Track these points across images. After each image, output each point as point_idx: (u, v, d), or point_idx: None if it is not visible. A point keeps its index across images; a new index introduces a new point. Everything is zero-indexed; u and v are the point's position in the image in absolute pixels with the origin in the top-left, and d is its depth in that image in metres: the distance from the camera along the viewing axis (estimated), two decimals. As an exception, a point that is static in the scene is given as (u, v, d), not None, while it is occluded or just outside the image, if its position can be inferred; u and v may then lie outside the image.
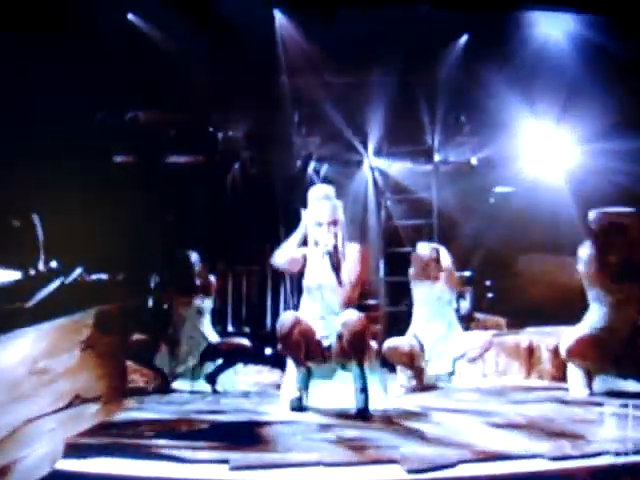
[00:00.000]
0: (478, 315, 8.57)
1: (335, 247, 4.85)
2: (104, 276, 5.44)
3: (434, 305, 6.76)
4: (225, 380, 6.74)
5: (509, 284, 9.46)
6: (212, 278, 7.07)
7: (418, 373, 6.65)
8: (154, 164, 9.04)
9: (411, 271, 6.90)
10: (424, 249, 6.94)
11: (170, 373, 6.61)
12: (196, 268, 6.92)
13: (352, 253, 4.95)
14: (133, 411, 4.95)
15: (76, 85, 7.23)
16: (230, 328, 9.20)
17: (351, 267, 4.90)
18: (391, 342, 6.56)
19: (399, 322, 7.61)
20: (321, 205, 4.96)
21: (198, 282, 6.90)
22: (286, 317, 4.85)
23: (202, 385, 6.65)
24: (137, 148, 9.00)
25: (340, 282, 4.81)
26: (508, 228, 9.03)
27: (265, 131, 9.27)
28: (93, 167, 7.97)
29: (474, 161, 9.65)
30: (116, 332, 2.99)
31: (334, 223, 4.89)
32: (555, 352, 6.67)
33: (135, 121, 8.94)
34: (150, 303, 8.41)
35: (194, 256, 6.98)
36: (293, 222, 9.42)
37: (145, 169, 8.90)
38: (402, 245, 8.91)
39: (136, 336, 6.65)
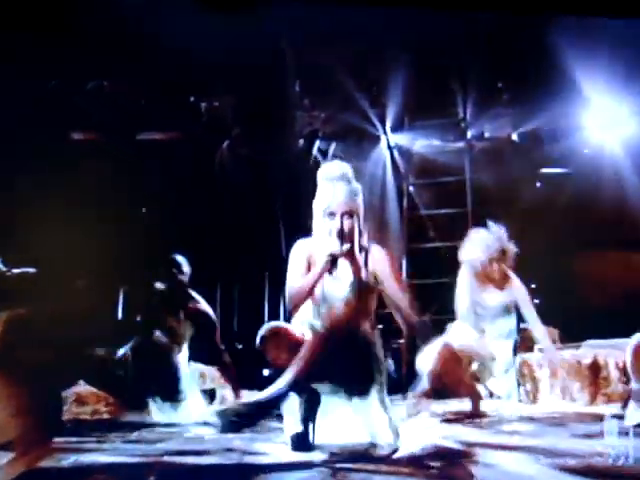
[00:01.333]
0: (523, 325, 8.27)
1: (351, 248, 4.32)
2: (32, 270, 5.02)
3: (497, 318, 6.52)
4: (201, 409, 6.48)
5: (562, 287, 9.33)
6: (198, 302, 6.83)
7: (476, 397, 6.24)
8: (121, 142, 8.91)
9: (467, 271, 6.44)
10: (484, 237, 6.50)
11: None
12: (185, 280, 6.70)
13: (376, 258, 4.50)
14: (85, 454, 4.48)
15: (26, 49, 7.23)
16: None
17: (373, 277, 4.46)
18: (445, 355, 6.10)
19: (426, 334, 7.24)
20: (334, 188, 4.40)
21: (181, 315, 6.65)
22: (265, 326, 4.59)
23: (181, 416, 6.34)
24: (100, 123, 8.86)
25: (356, 295, 4.38)
26: (559, 218, 9.05)
27: (260, 102, 9.12)
28: (45, 146, 7.98)
29: (515, 136, 9.54)
30: (29, 346, 2.41)
31: (350, 214, 4.38)
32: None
33: (98, 91, 8.85)
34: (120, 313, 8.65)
35: (184, 267, 6.76)
36: (294, 216, 9.02)
37: (110, 148, 8.76)
38: (428, 239, 9.06)
39: (97, 351, 6.42)
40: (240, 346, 9.09)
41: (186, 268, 6.85)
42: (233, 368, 6.92)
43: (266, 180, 9.23)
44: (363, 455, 4.37)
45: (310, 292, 4.44)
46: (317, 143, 9.66)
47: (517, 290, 6.56)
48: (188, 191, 8.94)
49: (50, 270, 6.82)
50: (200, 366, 7.50)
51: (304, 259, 4.51)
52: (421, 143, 9.68)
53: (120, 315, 9.03)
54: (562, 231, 9.05)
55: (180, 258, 6.87)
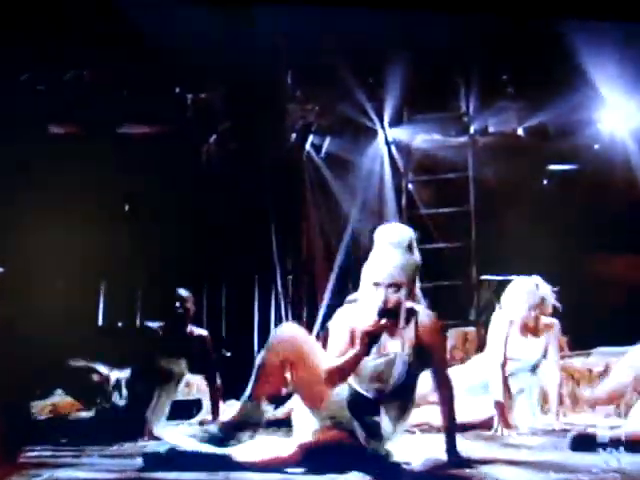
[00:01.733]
0: None
1: (393, 323, 4.16)
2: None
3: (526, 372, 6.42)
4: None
5: (570, 291, 8.86)
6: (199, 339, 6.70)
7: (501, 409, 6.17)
8: (101, 136, 8.83)
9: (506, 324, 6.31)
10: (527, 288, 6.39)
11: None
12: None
13: (426, 328, 4.30)
14: (60, 469, 4.36)
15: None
16: None
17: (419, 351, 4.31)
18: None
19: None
20: (386, 255, 4.21)
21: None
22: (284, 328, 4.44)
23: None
24: (80, 115, 8.77)
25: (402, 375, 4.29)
26: (568, 218, 9.06)
27: (249, 94, 8.99)
28: (22, 140, 7.94)
29: (521, 131, 9.47)
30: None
31: (398, 287, 4.13)
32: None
33: (77, 81, 8.70)
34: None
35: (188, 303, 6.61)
36: (287, 216, 8.91)
37: (90, 142, 8.68)
38: (429, 240, 8.78)
39: (76, 362, 6.38)
40: (228, 354, 9.01)
41: (190, 304, 6.66)
42: (221, 390, 6.84)
43: (256, 177, 9.20)
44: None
45: (348, 373, 4.19)
46: (310, 138, 9.60)
47: (551, 337, 6.50)
48: (173, 188, 8.87)
49: (22, 271, 6.81)
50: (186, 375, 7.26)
51: (346, 332, 4.21)
52: (421, 138, 9.63)
53: (101, 320, 9.07)
54: (571, 232, 9.05)
55: (184, 292, 6.65)
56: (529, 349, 6.37)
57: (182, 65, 8.62)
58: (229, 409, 6.54)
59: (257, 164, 9.21)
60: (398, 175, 9.61)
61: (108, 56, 8.39)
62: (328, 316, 8.99)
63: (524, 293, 6.34)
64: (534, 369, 6.43)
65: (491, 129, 9.54)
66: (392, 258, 4.18)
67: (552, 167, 9.84)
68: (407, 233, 4.42)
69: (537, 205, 9.31)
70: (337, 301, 9.26)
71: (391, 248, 4.23)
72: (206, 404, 7.13)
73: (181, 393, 7.06)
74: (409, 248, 4.32)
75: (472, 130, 9.44)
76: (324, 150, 9.64)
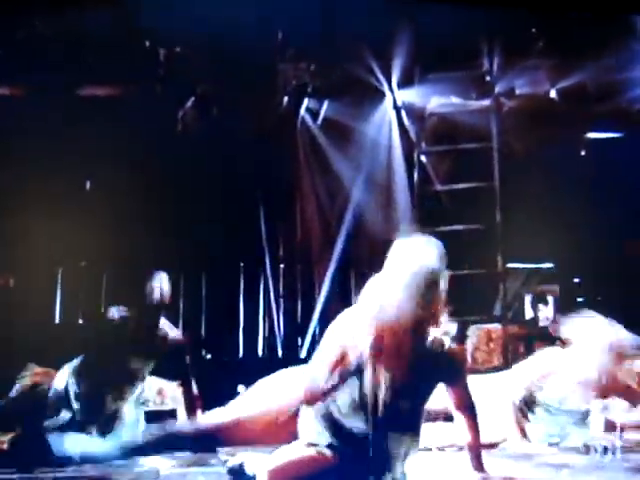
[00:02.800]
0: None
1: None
2: None
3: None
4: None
5: (612, 282, 9.46)
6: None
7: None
8: (58, 99, 8.73)
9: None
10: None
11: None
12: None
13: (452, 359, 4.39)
14: None
15: None
16: None
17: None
18: None
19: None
20: (397, 286, 4.14)
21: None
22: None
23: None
24: (32, 75, 8.70)
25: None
26: (609, 195, 9.16)
27: (234, 50, 8.79)
28: None
29: (554, 93, 9.44)
30: None
31: (398, 327, 4.22)
32: None
33: (28, 36, 8.63)
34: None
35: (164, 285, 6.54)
36: (277, 195, 9.00)
37: (44, 106, 8.61)
38: (445, 221, 8.72)
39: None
40: (209, 356, 9.17)
41: (165, 290, 6.54)
42: (199, 399, 6.76)
43: (241, 148, 9.17)
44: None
45: (329, 393, 4.17)
46: (305, 101, 9.57)
47: None
48: (143, 161, 8.91)
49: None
50: (158, 381, 7.38)
51: (337, 343, 4.19)
52: (436, 101, 9.55)
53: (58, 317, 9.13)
54: (611, 211, 9.20)
55: (160, 276, 6.55)
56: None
57: (152, 14, 8.48)
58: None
59: (242, 133, 9.19)
60: (409, 145, 9.59)
61: (65, 5, 8.35)
62: (326, 312, 8.92)
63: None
64: None
65: (518, 91, 9.50)
66: (403, 294, 4.10)
67: (591, 135, 9.84)
68: (432, 257, 4.24)
69: (573, 180, 9.30)
70: (337, 294, 9.18)
71: (407, 277, 4.12)
72: (181, 415, 7.10)
73: (152, 403, 7.13)
74: (431, 276, 4.18)
75: (496, 92, 9.42)
76: (321, 116, 9.59)
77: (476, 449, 4.43)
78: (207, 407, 7.02)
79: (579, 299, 9.54)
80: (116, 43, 8.73)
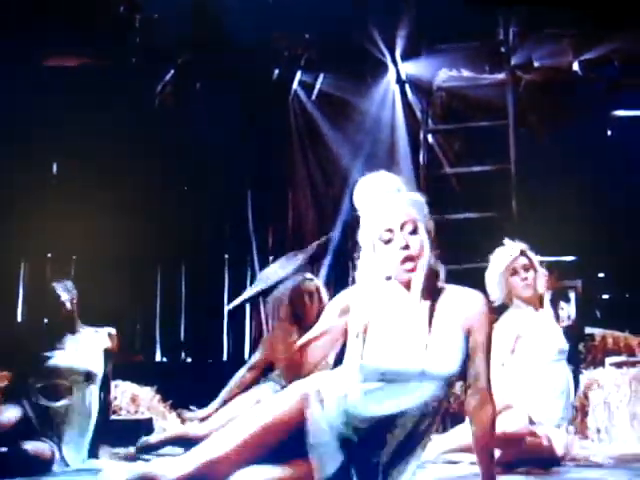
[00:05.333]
0: (590, 330, 8.61)
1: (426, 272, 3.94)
2: None
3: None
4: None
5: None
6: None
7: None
8: (21, 69, 8.63)
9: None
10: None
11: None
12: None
13: (471, 311, 4.04)
14: None
15: None
16: (159, 356, 9.54)
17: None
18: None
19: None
20: (383, 202, 4.03)
21: None
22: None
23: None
24: None
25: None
26: (636, 179, 9.14)
27: (216, 16, 8.87)
28: None
29: (577, 66, 9.39)
30: None
31: (414, 226, 3.98)
32: None
33: None
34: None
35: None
36: (267, 177, 8.97)
37: (4, 75, 8.46)
38: (455, 208, 8.90)
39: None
40: (189, 359, 9.27)
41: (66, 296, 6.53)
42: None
43: (227, 125, 9.10)
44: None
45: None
46: (298, 74, 9.57)
47: None
48: (116, 141, 8.86)
49: None
50: (131, 387, 7.63)
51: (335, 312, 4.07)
52: (445, 74, 9.50)
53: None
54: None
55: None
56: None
57: None
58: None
59: (227, 109, 9.13)
60: (415, 122, 9.58)
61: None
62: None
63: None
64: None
65: (537, 63, 9.47)
66: (393, 200, 4.01)
67: (618, 113, 9.74)
68: (392, 179, 4.18)
69: (598, 162, 9.25)
70: (333, 289, 9.02)
71: (383, 195, 4.05)
72: (158, 426, 7.30)
73: (126, 411, 7.40)
74: (401, 190, 4.12)
75: (512, 64, 9.34)
76: (316, 90, 9.59)
77: (487, 461, 4.07)
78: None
79: (604, 296, 9.62)
80: (86, 8, 8.62)
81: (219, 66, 9.28)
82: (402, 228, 3.88)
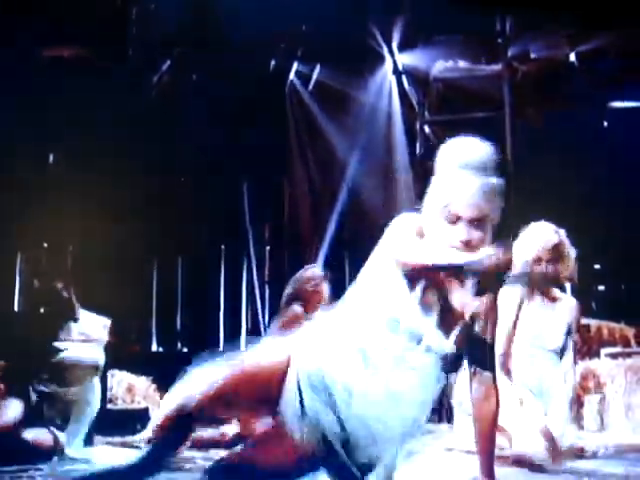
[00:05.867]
0: (587, 321, 8.58)
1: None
2: None
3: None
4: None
5: (638, 268, 9.40)
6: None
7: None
8: (20, 59, 8.63)
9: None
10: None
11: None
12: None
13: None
14: None
15: None
16: (155, 347, 9.54)
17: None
18: None
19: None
20: (464, 182, 3.90)
21: None
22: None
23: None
24: None
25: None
26: (634, 171, 9.06)
27: (213, 8, 9.00)
28: None
29: (573, 57, 9.47)
30: None
31: (481, 222, 3.77)
32: None
33: None
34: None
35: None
36: (265, 170, 9.03)
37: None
38: None
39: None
40: (185, 349, 9.25)
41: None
42: None
43: (225, 117, 9.15)
44: None
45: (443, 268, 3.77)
46: (295, 65, 9.61)
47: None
48: (113, 132, 8.83)
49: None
50: (127, 376, 7.65)
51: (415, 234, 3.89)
52: (441, 65, 9.62)
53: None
54: (638, 188, 9.08)
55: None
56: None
57: None
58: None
59: (224, 100, 9.14)
60: (411, 113, 9.63)
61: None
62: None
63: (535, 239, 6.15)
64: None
65: (534, 54, 9.53)
66: (473, 186, 3.76)
67: (614, 104, 9.72)
68: (487, 151, 4.13)
69: (595, 154, 9.30)
70: (330, 280, 9.02)
71: (468, 172, 3.79)
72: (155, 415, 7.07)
73: (122, 401, 7.42)
74: (490, 171, 3.83)
75: (509, 55, 9.40)
76: (313, 81, 9.62)
77: (488, 453, 4.03)
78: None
79: (600, 287, 9.65)
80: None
81: (216, 57, 9.26)
82: (470, 223, 3.69)
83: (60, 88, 8.80)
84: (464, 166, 3.81)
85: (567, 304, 6.13)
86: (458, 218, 3.68)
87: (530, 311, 6.01)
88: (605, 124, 9.79)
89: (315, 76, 9.63)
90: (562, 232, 6.15)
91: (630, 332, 8.42)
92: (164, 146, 9.10)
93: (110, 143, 8.81)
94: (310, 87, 9.58)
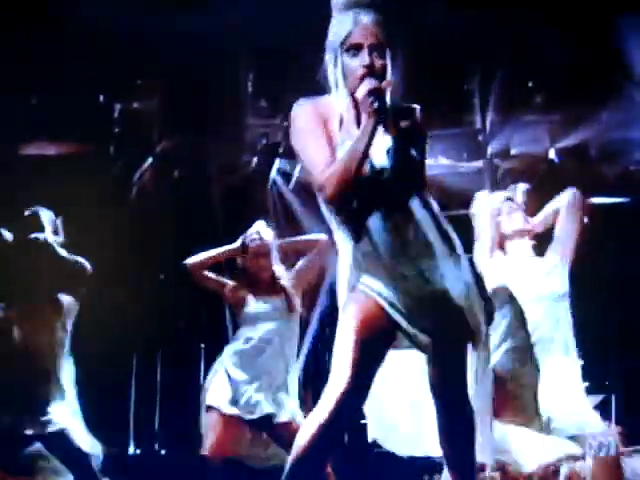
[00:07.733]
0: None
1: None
2: None
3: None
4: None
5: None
6: None
7: None
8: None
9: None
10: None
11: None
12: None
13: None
14: None
15: None
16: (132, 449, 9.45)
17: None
18: None
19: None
20: (357, 16, 4.11)
21: None
22: None
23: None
24: None
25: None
26: (614, 267, 9.34)
27: (196, 105, 9.14)
28: None
29: (553, 154, 9.67)
30: None
31: (381, 49, 4.12)
32: None
33: None
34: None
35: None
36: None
37: None
38: None
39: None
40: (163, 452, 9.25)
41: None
42: None
43: (205, 215, 9.32)
44: None
45: (363, 159, 3.95)
46: (277, 162, 9.71)
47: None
48: (94, 228, 8.61)
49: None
50: None
51: (320, 124, 4.11)
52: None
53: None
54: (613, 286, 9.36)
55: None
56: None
57: (109, 64, 8.65)
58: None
59: (206, 197, 9.38)
60: None
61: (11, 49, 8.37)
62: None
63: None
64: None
65: (514, 150, 9.71)
66: (366, 17, 4.07)
67: (595, 200, 9.46)
68: None
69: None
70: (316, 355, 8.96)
71: (357, 9, 4.12)
72: None
73: None
74: (379, 8, 4.18)
75: (489, 152, 9.61)
76: (294, 178, 9.67)
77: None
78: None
79: None
80: (67, 95, 8.86)
81: (198, 154, 9.47)
82: (370, 49, 3.98)
83: (40, 185, 8.55)
84: (351, 4, 4.05)
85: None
86: (359, 47, 3.96)
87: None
88: (585, 220, 9.76)
89: (296, 174, 9.67)
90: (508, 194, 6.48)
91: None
92: (149, 247, 9.12)
93: (92, 240, 8.40)
94: (291, 185, 9.65)
